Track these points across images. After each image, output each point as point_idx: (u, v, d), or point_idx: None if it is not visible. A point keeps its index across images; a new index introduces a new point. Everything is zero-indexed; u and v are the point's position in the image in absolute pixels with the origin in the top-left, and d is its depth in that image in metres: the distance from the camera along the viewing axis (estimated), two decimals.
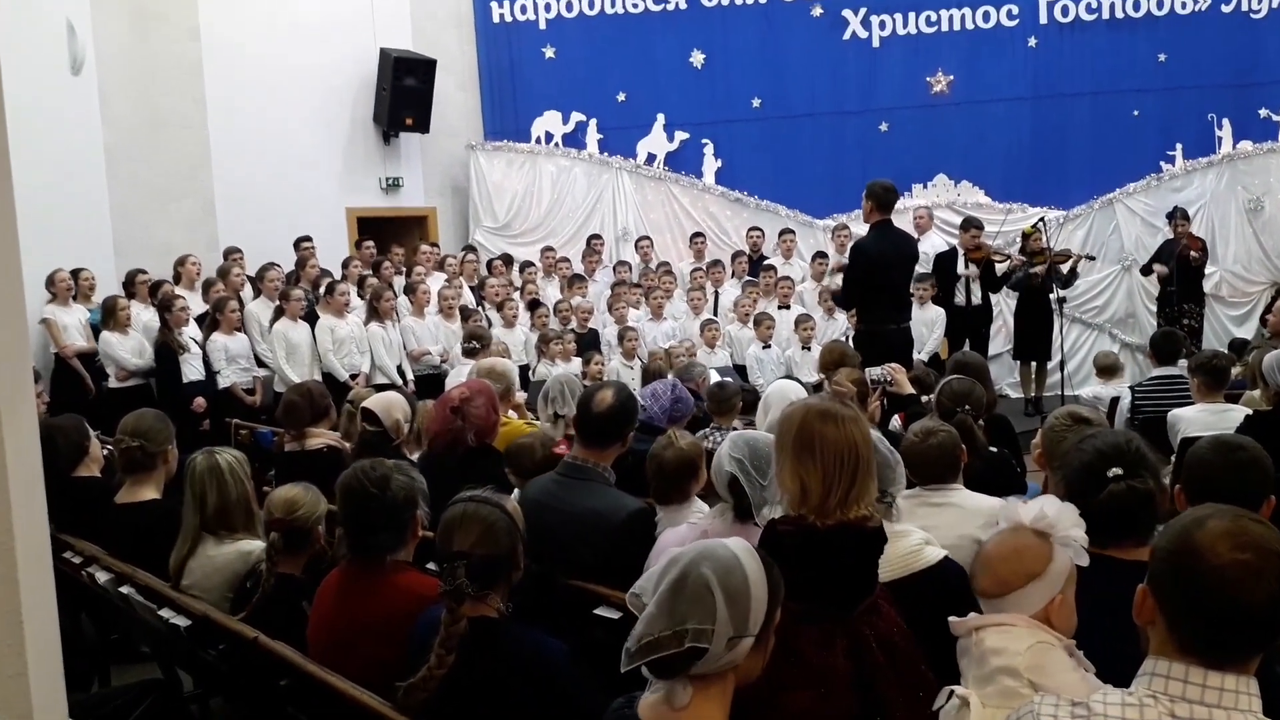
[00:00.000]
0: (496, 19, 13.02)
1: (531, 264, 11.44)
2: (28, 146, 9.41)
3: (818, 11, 12.59)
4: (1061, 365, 10.18)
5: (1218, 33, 11.91)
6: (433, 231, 12.90)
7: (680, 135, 12.76)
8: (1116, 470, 2.56)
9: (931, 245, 10.82)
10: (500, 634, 2.57)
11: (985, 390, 4.78)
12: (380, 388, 7.89)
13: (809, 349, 9.72)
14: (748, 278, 11.18)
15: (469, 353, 7.67)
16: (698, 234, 12.10)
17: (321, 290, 9.50)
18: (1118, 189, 11.59)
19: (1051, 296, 10.15)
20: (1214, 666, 1.67)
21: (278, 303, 9.13)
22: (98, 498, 4.45)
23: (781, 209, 12.38)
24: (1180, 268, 10.30)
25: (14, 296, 2.18)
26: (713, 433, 5.53)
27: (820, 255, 11.06)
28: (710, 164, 12.72)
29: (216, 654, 3.32)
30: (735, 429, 5.36)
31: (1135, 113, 11.96)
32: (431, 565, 3.13)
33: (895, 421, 5.18)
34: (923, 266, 9.95)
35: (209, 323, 8.84)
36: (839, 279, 9.70)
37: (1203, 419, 5.30)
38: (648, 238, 12.15)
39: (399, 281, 10.54)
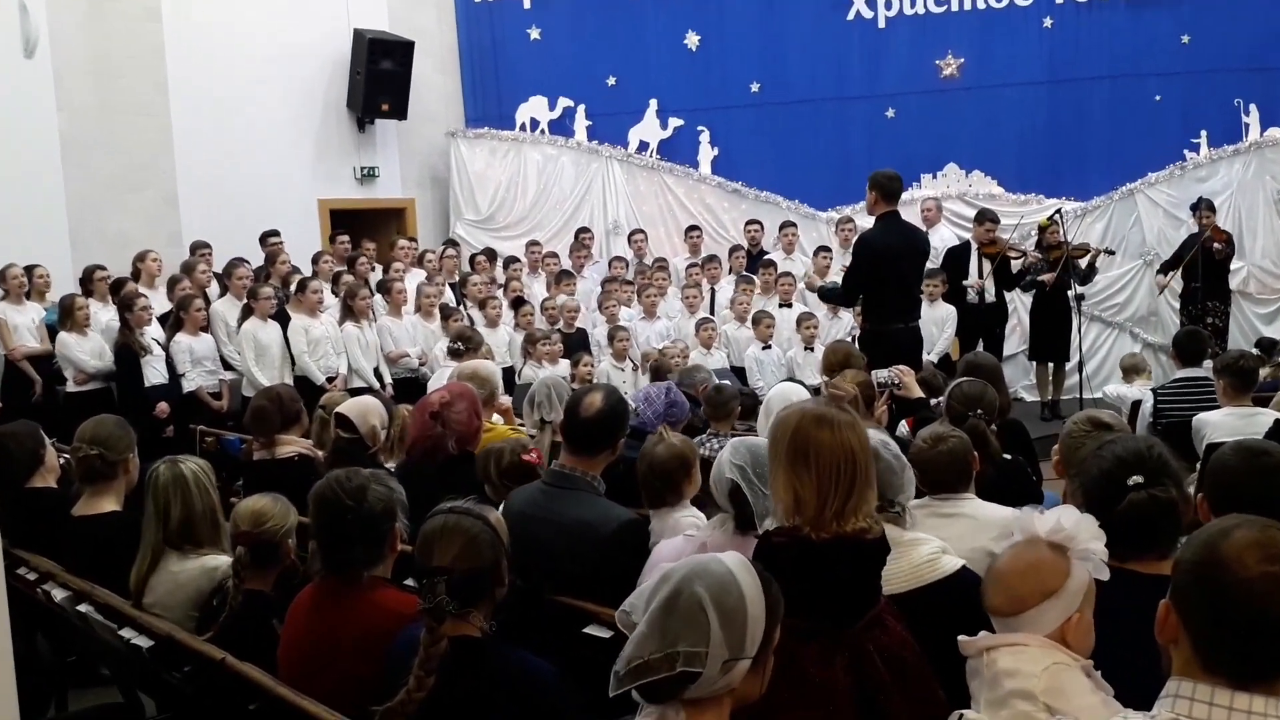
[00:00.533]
0: None
1: (516, 259, 11.43)
2: None
3: None
4: (1080, 366, 10.20)
5: (1245, 12, 11.90)
6: (410, 225, 12.89)
7: (674, 122, 12.77)
8: (1137, 478, 2.57)
9: (941, 239, 10.83)
10: (483, 654, 2.56)
11: (999, 393, 4.79)
12: (355, 391, 7.90)
13: (812, 350, 9.71)
14: (744, 273, 11.17)
15: (455, 354, 7.66)
16: (693, 227, 12.11)
17: (292, 288, 9.48)
18: (1139, 179, 11.58)
19: (1069, 293, 10.16)
20: (1241, 687, 1.67)
21: (245, 301, 9.11)
22: (54, 510, 4.42)
23: (782, 200, 12.39)
24: (1205, 262, 10.32)
25: None
26: (710, 439, 5.54)
27: (824, 250, 11.05)
28: (706, 153, 12.73)
29: (181, 676, 3.31)
30: (734, 435, 5.37)
31: (1157, 97, 11.97)
32: (410, 581, 3.13)
33: (903, 427, 5.18)
34: (932, 261, 9.97)
35: (172, 322, 8.82)
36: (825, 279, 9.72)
37: (1229, 423, 5.32)
38: (641, 231, 12.15)
39: (374, 278, 10.52)
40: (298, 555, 3.62)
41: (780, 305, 10.54)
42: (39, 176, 9.86)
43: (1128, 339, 11.57)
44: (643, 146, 12.79)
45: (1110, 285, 11.57)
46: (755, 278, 10.92)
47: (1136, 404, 6.63)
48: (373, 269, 10.73)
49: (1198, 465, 4.45)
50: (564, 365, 9.20)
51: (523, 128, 12.90)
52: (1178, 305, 10.92)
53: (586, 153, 12.78)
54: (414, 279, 10.43)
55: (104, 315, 8.91)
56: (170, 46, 10.96)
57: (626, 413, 3.92)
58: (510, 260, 11.41)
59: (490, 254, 11.65)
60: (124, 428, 4.35)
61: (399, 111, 12.35)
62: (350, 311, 9.30)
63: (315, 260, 10.50)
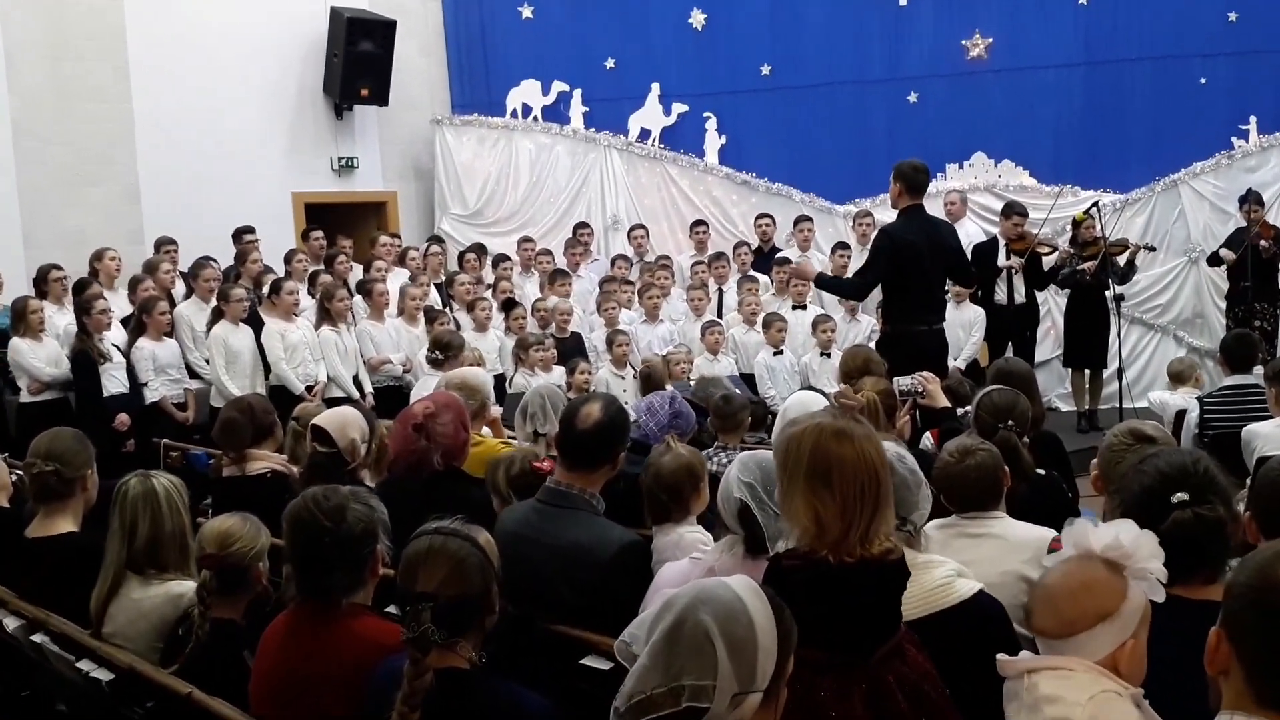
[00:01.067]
0: None
1: (506, 258, 11.44)
2: None
3: None
4: (1120, 373, 10.19)
5: None
6: (392, 220, 12.91)
7: (678, 108, 12.79)
8: (1182, 495, 2.57)
9: (967, 235, 10.82)
10: (472, 687, 2.56)
11: (1032, 403, 4.78)
12: (333, 402, 7.91)
13: (828, 355, 9.71)
14: (751, 272, 11.17)
15: (435, 363, 7.66)
16: (699, 222, 12.12)
17: (265, 289, 9.49)
18: (1183, 169, 11.59)
19: (1107, 294, 10.16)
20: None
21: (214, 303, 9.11)
22: (6, 531, 4.42)
23: (795, 193, 12.40)
24: (1253, 260, 10.32)
25: None
26: (718, 453, 5.54)
27: (842, 246, 11.05)
28: (713, 141, 12.74)
29: (143, 712, 3.31)
30: (744, 448, 5.38)
31: (1202, 80, 11.95)
32: (393, 609, 3.13)
33: (927, 439, 5.18)
34: None
35: (134, 327, 8.83)
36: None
37: None
38: (642, 226, 12.17)
39: (353, 278, 10.52)
40: (270, 580, 3.62)
41: (794, 307, 10.53)
42: None
43: (1171, 343, 11.57)
44: (644, 134, 12.81)
45: (1152, 285, 11.56)
46: (759, 276, 10.92)
47: (1181, 413, 6.62)
48: (351, 268, 10.74)
49: (1247, 481, 4.45)
50: (559, 373, 9.19)
51: (514, 114, 12.92)
52: (1224, 306, 10.91)
53: (583, 141, 12.81)
54: (396, 279, 10.44)
55: (60, 319, 8.92)
56: (132, 27, 10.98)
57: (627, 424, 3.92)
58: (500, 259, 11.41)
59: (480, 251, 11.65)
60: (82, 442, 4.35)
61: (380, 97, 12.37)
62: (327, 315, 9.29)
63: (289, 259, 10.51)
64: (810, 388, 8.36)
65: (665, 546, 3.69)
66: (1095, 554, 2.23)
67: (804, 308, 10.53)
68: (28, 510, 4.39)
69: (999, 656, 2.26)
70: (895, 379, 5.16)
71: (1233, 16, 11.92)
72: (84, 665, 3.50)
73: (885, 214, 9.33)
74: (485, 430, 5.50)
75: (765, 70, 12.75)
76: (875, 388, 4.81)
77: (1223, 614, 1.79)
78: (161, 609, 3.68)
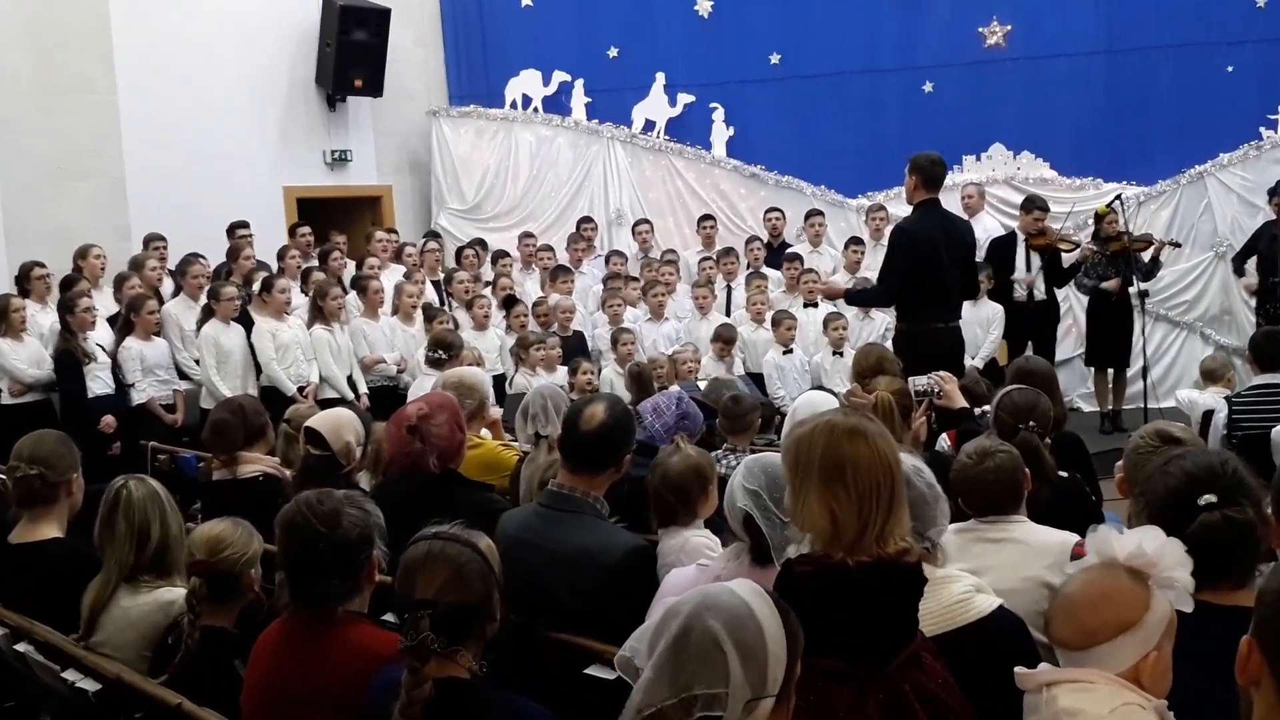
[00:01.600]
0: None
1: (506, 254, 11.45)
2: None
3: None
4: (1144, 372, 10.20)
5: None
6: (388, 215, 12.92)
7: (684, 98, 12.79)
8: (1209, 497, 2.57)
9: (984, 229, 10.82)
10: (472, 698, 2.56)
11: (1053, 403, 4.78)
12: (327, 403, 7.92)
13: (841, 354, 9.71)
14: (763, 268, 11.17)
15: (435, 363, 7.67)
16: (706, 217, 12.12)
17: (256, 287, 9.50)
18: (1209, 160, 11.56)
19: (1131, 290, 10.15)
20: None
21: (204, 301, 9.13)
22: None
23: (806, 186, 12.40)
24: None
25: None
26: (726, 455, 5.54)
27: (855, 242, 11.05)
28: (720, 133, 12.75)
29: None
30: (754, 450, 5.38)
31: (1229, 68, 11.93)
32: (390, 616, 3.13)
33: (944, 441, 5.18)
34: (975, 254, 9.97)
35: (121, 325, 8.84)
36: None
37: None
38: (646, 221, 12.17)
39: (347, 275, 10.53)
40: (263, 587, 3.62)
41: (805, 305, 10.53)
42: None
43: (1198, 341, 11.54)
44: (649, 126, 12.81)
45: (1178, 280, 11.54)
46: (770, 273, 10.91)
47: (1209, 413, 6.61)
48: (346, 265, 10.75)
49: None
50: (561, 373, 9.20)
51: (513, 105, 12.93)
52: (1254, 303, 10.89)
53: (585, 133, 12.81)
54: (392, 276, 10.45)
55: (43, 318, 8.93)
56: (117, 15, 10.98)
57: (632, 426, 3.93)
58: (499, 255, 11.42)
59: (480, 246, 11.66)
60: (67, 445, 4.36)
61: (374, 88, 12.38)
62: (320, 313, 9.30)
63: (281, 255, 10.53)
64: (821, 388, 8.36)
65: (671, 550, 3.70)
66: (1118, 562, 2.23)
67: (815, 305, 10.52)
68: (10, 516, 4.38)
69: (1017, 670, 2.26)
70: (911, 379, 5.16)
71: (1261, 2, 11.90)
72: (70, 675, 3.50)
73: (899, 208, 9.35)
74: (485, 432, 5.51)
75: (774, 59, 12.75)
76: (889, 388, 4.80)
77: (1255, 622, 1.77)
78: (151, 616, 3.68)
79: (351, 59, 12.11)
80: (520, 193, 12.88)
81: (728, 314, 10.78)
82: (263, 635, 3.14)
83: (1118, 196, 10.41)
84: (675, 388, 7.46)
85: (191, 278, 9.43)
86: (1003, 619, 2.96)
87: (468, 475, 4.47)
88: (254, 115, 11.95)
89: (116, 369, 8.65)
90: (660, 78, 12.76)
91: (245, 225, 10.64)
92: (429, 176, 13.11)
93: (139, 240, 10.28)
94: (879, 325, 10.17)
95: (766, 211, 11.99)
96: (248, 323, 9.14)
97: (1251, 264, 10.60)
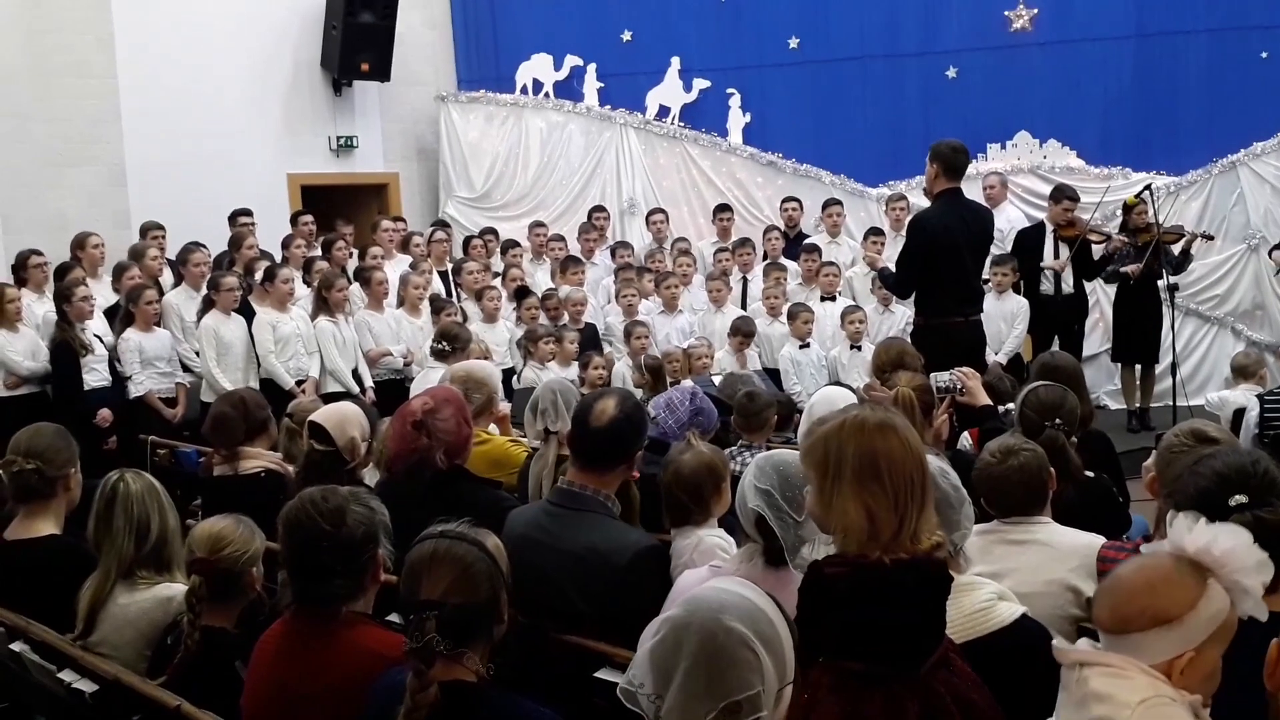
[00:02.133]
0: None
1: (516, 244, 11.44)
2: None
3: None
4: (1174, 369, 10.16)
5: None
6: (394, 203, 12.94)
7: (699, 84, 12.78)
8: (1240, 498, 2.57)
9: (1009, 220, 10.80)
10: (479, 702, 2.56)
11: (1080, 400, 4.77)
12: (332, 397, 7.92)
13: (859, 348, 9.70)
14: (781, 259, 11.14)
15: (440, 355, 7.68)
16: (723, 207, 12.09)
17: (258, 277, 9.51)
18: (1242, 149, 11.52)
19: (1160, 284, 10.11)
20: None
21: (204, 292, 9.14)
22: None
23: (825, 175, 12.38)
24: None
25: None
26: (741, 453, 5.53)
27: (875, 232, 11.02)
28: (737, 119, 12.74)
29: None
30: (770, 447, 5.37)
31: (1264, 54, 11.89)
32: (394, 617, 3.13)
33: (966, 439, 5.17)
34: (1000, 245, 9.93)
35: (121, 317, 8.86)
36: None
37: None
38: (661, 211, 12.15)
39: (352, 265, 10.55)
40: (265, 587, 3.63)
41: (822, 298, 10.51)
42: None
43: (1229, 336, 11.51)
44: (663, 112, 12.80)
45: (1209, 274, 11.51)
46: (788, 264, 10.89)
47: (1240, 412, 6.59)
48: (350, 255, 10.76)
49: None
50: (573, 367, 9.19)
51: (524, 91, 12.94)
52: None
53: (598, 120, 12.80)
54: (398, 266, 10.46)
55: (39, 308, 8.95)
56: None
57: (644, 421, 3.92)
58: (509, 244, 11.42)
59: (491, 235, 11.67)
60: (65, 438, 4.37)
61: (381, 72, 12.39)
62: (325, 304, 9.31)
63: (285, 244, 10.54)
64: (838, 383, 8.35)
65: (684, 550, 3.70)
66: (1185, 553, 2.20)
67: (833, 299, 10.50)
68: (6, 511, 4.39)
69: (1055, 643, 2.26)
70: (933, 374, 5.15)
71: None
72: (66, 676, 3.52)
73: (920, 197, 9.31)
74: (492, 428, 5.51)
75: (793, 43, 12.73)
76: (911, 383, 4.80)
77: None
78: (150, 614, 3.70)
79: (358, 42, 12.11)
80: (530, 181, 12.89)
81: (743, 307, 10.75)
82: (264, 636, 3.14)
83: (1147, 186, 10.37)
84: (689, 382, 7.48)
85: (193, 266, 9.43)
86: (1026, 627, 2.95)
87: (475, 472, 4.47)
88: (257, 100, 11.97)
89: (115, 361, 8.66)
90: (675, 62, 12.75)
91: (248, 213, 10.66)
92: (437, 164, 13.12)
93: (138, 228, 10.29)
94: (899, 319, 10.12)
95: (784, 201, 11.96)
96: (250, 314, 9.15)
97: None
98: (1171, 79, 12.05)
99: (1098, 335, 11.30)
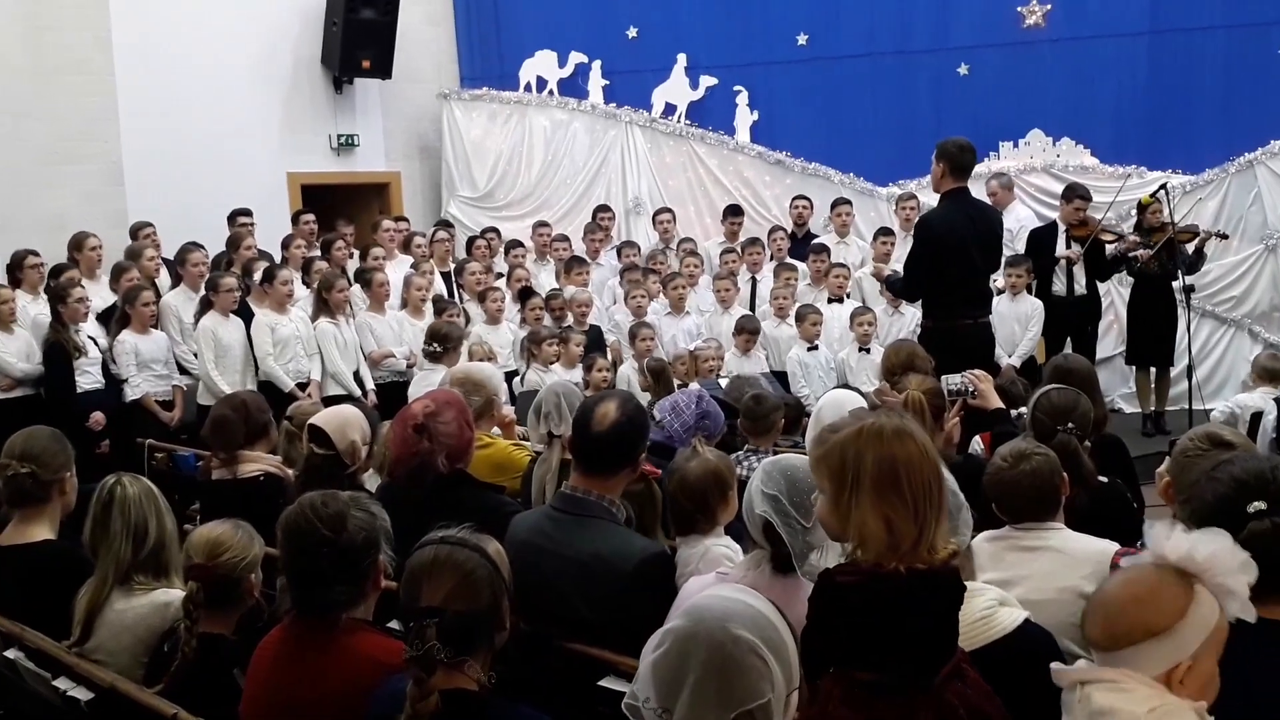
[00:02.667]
0: None
1: (520, 244, 11.45)
2: None
3: None
4: (1189, 372, 10.13)
5: None
6: (396, 203, 12.96)
7: (706, 81, 12.77)
8: (1259, 504, 2.55)
9: (1017, 219, 10.78)
10: (480, 711, 2.57)
11: (1093, 404, 4.76)
12: (333, 400, 7.93)
13: (868, 350, 9.70)
14: (787, 259, 11.14)
15: (433, 356, 7.69)
16: (734, 209, 12.07)
17: (257, 277, 9.52)
18: (1259, 148, 11.49)
19: (1175, 285, 10.09)
20: None
21: (202, 293, 9.15)
22: None
23: (834, 174, 12.37)
24: None
25: None
26: (748, 457, 5.53)
27: (884, 232, 11.02)
28: (744, 117, 12.73)
29: None
30: (777, 451, 5.37)
31: None
32: (395, 624, 3.13)
33: (977, 443, 5.16)
34: (1011, 245, 9.91)
35: (118, 318, 8.86)
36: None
37: None
38: (667, 210, 12.14)
39: (353, 266, 10.55)
40: (264, 593, 3.63)
41: (829, 300, 10.49)
42: None
43: (1246, 338, 11.49)
44: (669, 110, 12.79)
45: (1225, 275, 11.48)
46: (798, 265, 10.88)
47: (1257, 415, 6.59)
48: (352, 255, 10.76)
49: None
50: (576, 369, 9.19)
51: (528, 88, 12.94)
52: None
53: (603, 117, 12.81)
54: (399, 267, 10.46)
55: (34, 309, 8.95)
56: None
57: (646, 422, 3.92)
58: (513, 245, 11.42)
59: (494, 235, 11.67)
60: (60, 442, 4.37)
61: (382, 69, 12.39)
62: (325, 306, 9.31)
63: (285, 245, 10.55)
64: (847, 386, 8.35)
65: (690, 560, 3.68)
66: (1167, 562, 2.21)
67: (841, 301, 10.49)
68: (1, 515, 4.40)
69: (1053, 665, 2.26)
70: (944, 377, 5.15)
71: None
72: (61, 683, 3.52)
73: (930, 196, 9.29)
74: (495, 431, 5.51)
75: (801, 39, 12.72)
76: (921, 386, 4.79)
77: None
78: (148, 620, 3.70)
79: (359, 39, 12.12)
80: (534, 180, 12.89)
81: (751, 308, 10.74)
82: (262, 643, 3.15)
83: (1162, 185, 10.34)
84: (695, 386, 7.48)
85: (191, 266, 9.44)
86: (1029, 633, 2.95)
87: (477, 476, 4.47)
88: (257, 97, 11.98)
89: (109, 363, 8.67)
90: (681, 59, 12.74)
91: (247, 213, 10.68)
92: (439, 162, 13.13)
93: (129, 228, 10.30)
94: (909, 321, 10.11)
95: (792, 200, 11.96)
96: (249, 315, 9.15)
97: None
98: (1187, 76, 12.02)
99: (1112, 337, 11.28)
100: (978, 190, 9.87)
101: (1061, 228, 10.34)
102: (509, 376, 9.03)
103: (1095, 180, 11.30)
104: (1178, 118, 11.97)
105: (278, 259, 10.16)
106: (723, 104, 12.77)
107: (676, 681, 2.03)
